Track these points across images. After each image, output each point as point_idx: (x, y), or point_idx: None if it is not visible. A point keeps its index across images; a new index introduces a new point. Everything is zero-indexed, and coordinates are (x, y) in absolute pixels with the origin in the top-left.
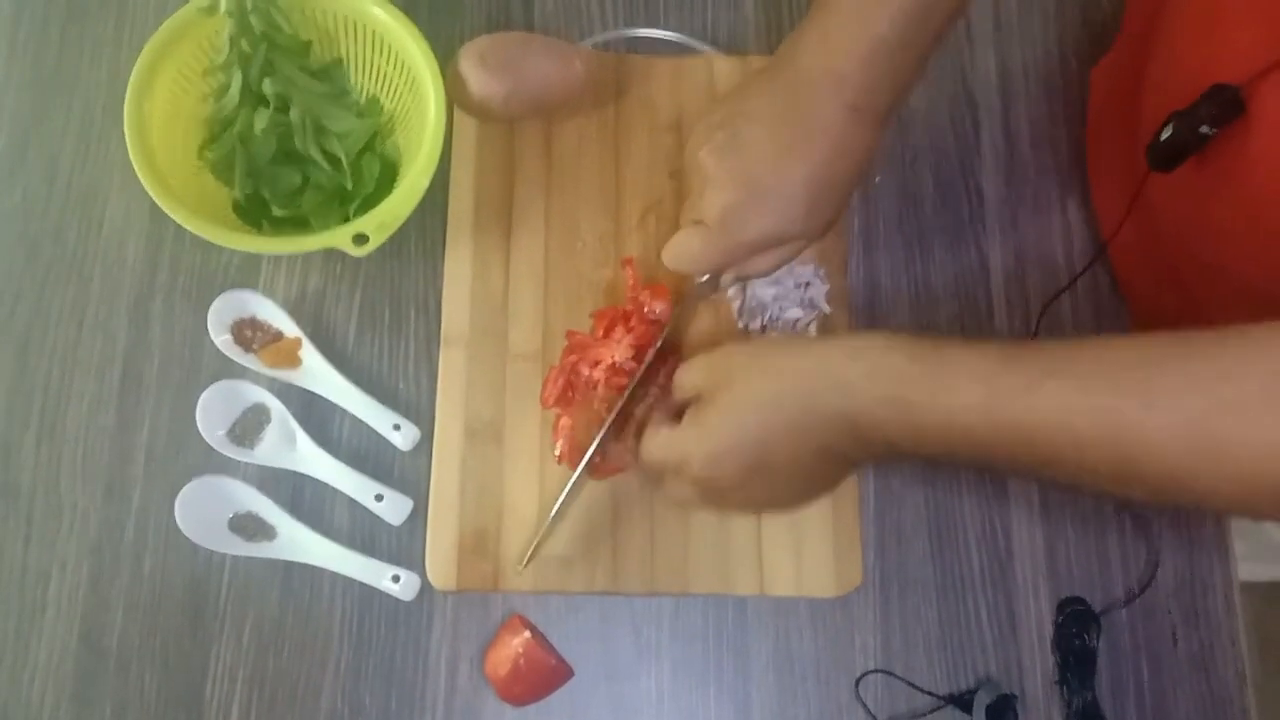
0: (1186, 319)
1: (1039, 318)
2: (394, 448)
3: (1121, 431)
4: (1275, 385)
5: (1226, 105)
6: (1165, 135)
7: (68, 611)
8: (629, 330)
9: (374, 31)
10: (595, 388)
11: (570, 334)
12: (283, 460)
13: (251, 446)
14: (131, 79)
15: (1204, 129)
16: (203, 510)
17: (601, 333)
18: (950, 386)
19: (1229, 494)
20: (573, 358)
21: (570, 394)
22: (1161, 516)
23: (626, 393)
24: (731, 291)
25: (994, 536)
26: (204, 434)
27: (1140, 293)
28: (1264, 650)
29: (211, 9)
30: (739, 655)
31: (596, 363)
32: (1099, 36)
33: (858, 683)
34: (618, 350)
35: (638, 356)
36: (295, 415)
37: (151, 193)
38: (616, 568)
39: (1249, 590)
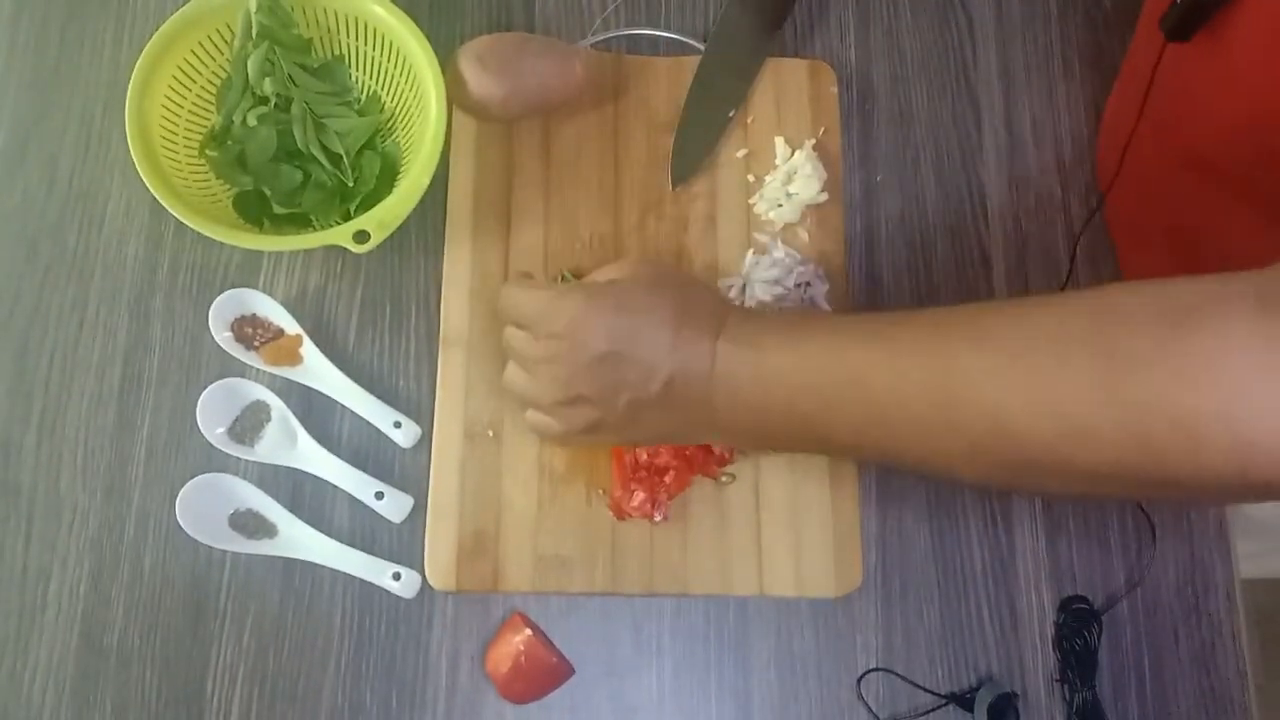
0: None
1: None
2: (395, 445)
3: (871, 389)
4: (1016, 352)
5: None
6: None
7: (68, 610)
8: None
9: (375, 29)
10: (666, 472)
11: (616, 451)
12: (283, 458)
13: (252, 444)
14: (133, 77)
15: None
16: (203, 508)
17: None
18: (800, 338)
19: (957, 453)
20: (642, 467)
21: (648, 484)
22: (1162, 515)
23: None
24: (733, 293)
25: (995, 535)
26: (204, 432)
27: (1136, 260)
28: (1266, 648)
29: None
30: (740, 653)
31: (655, 449)
32: (1101, 35)
33: (859, 681)
34: None
35: None
36: (296, 413)
37: (153, 190)
38: (616, 568)
39: (1251, 588)
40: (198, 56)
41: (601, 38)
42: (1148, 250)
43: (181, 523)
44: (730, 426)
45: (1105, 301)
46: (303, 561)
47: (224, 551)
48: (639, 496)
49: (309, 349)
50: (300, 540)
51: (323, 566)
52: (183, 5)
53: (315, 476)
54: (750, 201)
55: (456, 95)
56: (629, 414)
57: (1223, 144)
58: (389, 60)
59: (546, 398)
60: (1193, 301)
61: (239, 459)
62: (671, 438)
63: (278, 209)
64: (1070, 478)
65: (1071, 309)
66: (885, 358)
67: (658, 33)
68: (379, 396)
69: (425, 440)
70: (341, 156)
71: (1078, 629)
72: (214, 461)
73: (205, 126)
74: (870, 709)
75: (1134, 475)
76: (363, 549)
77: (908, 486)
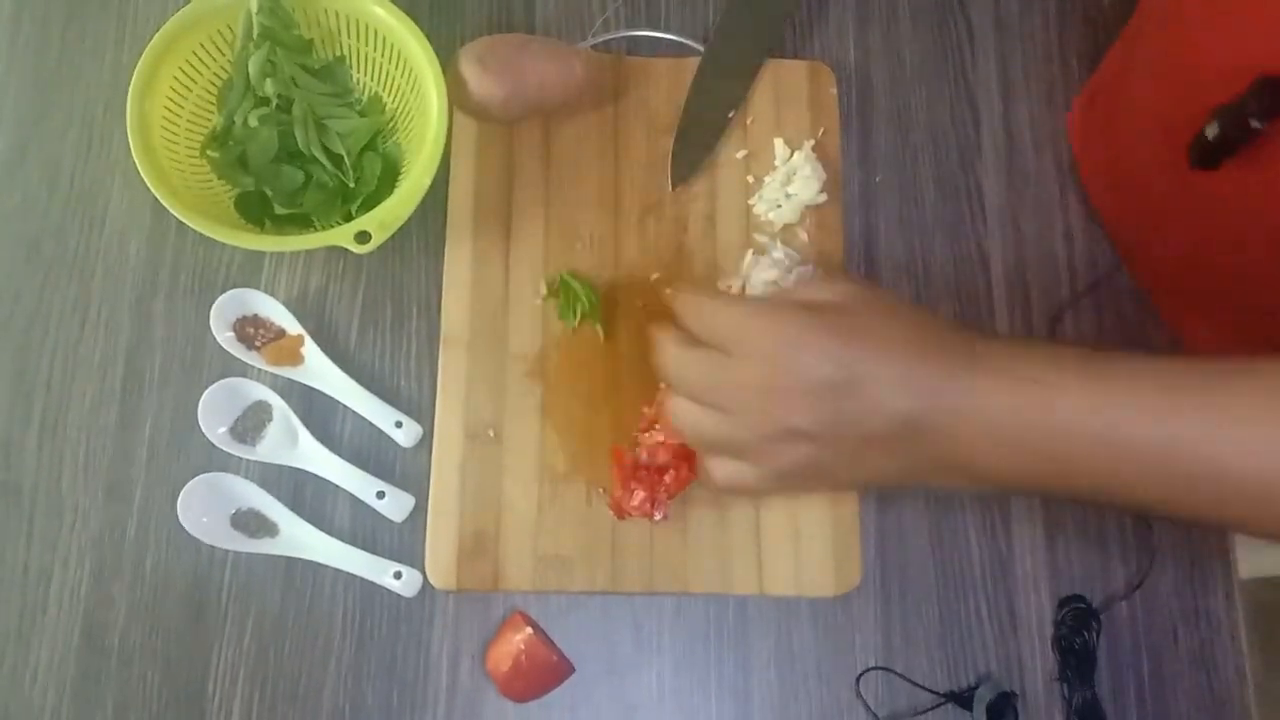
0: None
1: (1052, 323)
2: (396, 445)
3: (1191, 453)
4: None
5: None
6: (1210, 133)
7: (69, 610)
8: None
9: (376, 30)
10: (666, 471)
11: (616, 450)
12: (285, 457)
13: (254, 444)
14: (134, 78)
15: (1254, 124)
16: (205, 507)
17: (645, 425)
18: (1108, 394)
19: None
20: (642, 466)
21: (648, 484)
22: None
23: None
24: (732, 293)
25: (994, 534)
26: (206, 431)
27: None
28: (1265, 648)
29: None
30: (740, 652)
31: (655, 449)
32: (1100, 36)
33: (858, 680)
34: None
35: None
36: (297, 412)
37: (154, 190)
38: (616, 568)
39: (1250, 587)
40: (199, 58)
41: (602, 39)
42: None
43: (183, 522)
44: (974, 465)
45: None
46: (304, 561)
47: (225, 551)
48: (639, 496)
49: (310, 349)
50: (302, 540)
51: (324, 566)
52: (184, 6)
53: (317, 476)
54: (749, 202)
55: (457, 96)
56: (856, 453)
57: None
58: (390, 61)
59: (748, 434)
60: None
61: (240, 459)
62: (899, 477)
63: (279, 210)
64: None
65: None
66: (1218, 426)
67: (658, 34)
68: (380, 396)
69: (426, 440)
70: (343, 157)
71: (1077, 628)
72: (215, 461)
73: (206, 127)
74: (869, 708)
75: None
76: (364, 548)
77: None
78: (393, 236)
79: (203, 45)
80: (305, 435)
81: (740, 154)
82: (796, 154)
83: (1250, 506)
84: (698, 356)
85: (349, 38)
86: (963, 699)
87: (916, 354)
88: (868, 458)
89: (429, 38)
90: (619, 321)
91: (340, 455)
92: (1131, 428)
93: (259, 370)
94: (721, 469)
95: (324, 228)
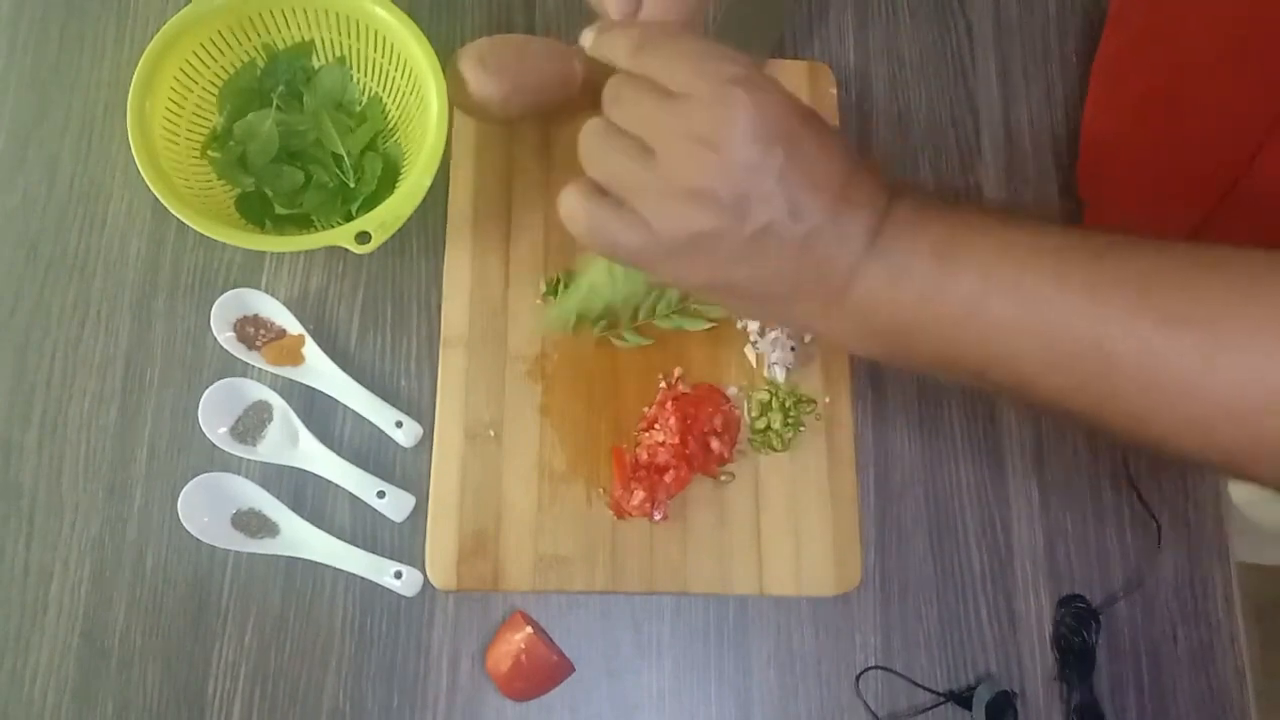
0: None
1: None
2: (396, 444)
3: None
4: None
5: None
6: None
7: (70, 610)
8: (670, 411)
9: (376, 31)
10: (666, 471)
11: (616, 450)
12: (285, 457)
13: (254, 444)
14: (134, 77)
15: None
16: (205, 507)
17: (645, 425)
18: (993, 254)
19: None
20: (642, 466)
21: (648, 484)
22: (1162, 514)
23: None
24: None
25: (994, 534)
26: (206, 431)
27: None
28: (1264, 648)
29: None
30: (740, 651)
31: (654, 448)
32: (1099, 36)
33: (858, 679)
34: (664, 433)
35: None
36: (298, 412)
37: (155, 190)
38: (616, 567)
39: (1249, 587)
40: (199, 58)
41: None
42: None
43: (184, 522)
44: (865, 313)
45: None
46: (304, 560)
47: (226, 551)
48: (639, 495)
49: (311, 349)
50: (302, 539)
51: (324, 565)
52: (184, 6)
53: (317, 476)
54: None
55: (457, 96)
56: (749, 244)
57: None
58: (390, 62)
59: (659, 180)
60: None
61: (241, 458)
62: (770, 298)
63: (280, 210)
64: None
65: None
66: (1131, 286)
67: None
68: (380, 396)
69: (426, 440)
70: (343, 158)
71: (1076, 628)
72: (216, 461)
73: (207, 127)
74: (869, 707)
75: None
76: (364, 548)
77: (907, 484)
78: (393, 237)
79: (203, 45)
80: (306, 435)
81: None
82: None
83: (1141, 400)
84: (642, 84)
85: (350, 38)
86: (962, 698)
87: (848, 170)
88: (758, 259)
89: (429, 38)
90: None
91: (340, 455)
92: (1017, 309)
93: (259, 370)
94: (600, 212)
95: (324, 228)
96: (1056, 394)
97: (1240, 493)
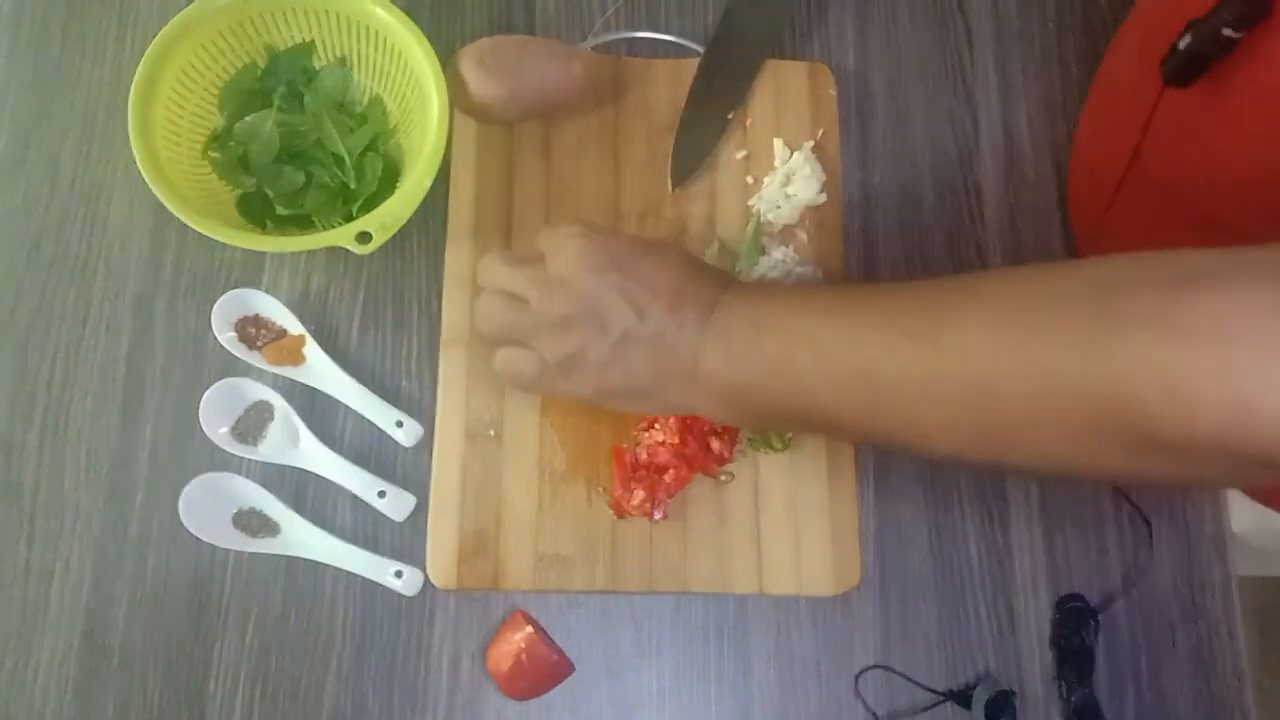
0: None
1: None
2: (397, 444)
3: (864, 348)
4: (1009, 315)
5: (1252, 4)
6: (1183, 44)
7: (70, 610)
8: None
9: (377, 31)
10: (666, 470)
11: (616, 450)
12: (286, 457)
13: (255, 443)
14: (135, 78)
15: (1226, 32)
16: (206, 507)
17: (645, 425)
18: (801, 301)
19: (935, 422)
20: (642, 466)
21: (648, 483)
22: (1159, 513)
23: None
24: None
25: (993, 534)
26: (207, 431)
27: None
28: (1263, 647)
29: None
30: (740, 651)
31: (655, 448)
32: (1099, 38)
33: (858, 679)
34: (664, 432)
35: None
36: (299, 412)
37: (156, 191)
38: (616, 567)
39: (1248, 587)
40: (200, 58)
41: (602, 40)
42: None
43: (185, 522)
44: (711, 383)
45: (1107, 268)
46: (305, 560)
47: (227, 551)
48: (639, 495)
49: (312, 349)
50: (303, 539)
51: (325, 565)
52: (185, 6)
53: (318, 475)
54: (749, 203)
55: (457, 97)
56: (614, 351)
57: (1232, 201)
58: (391, 63)
59: (533, 320)
60: (1202, 268)
61: (242, 458)
62: (645, 392)
63: (280, 210)
64: (1051, 445)
65: (1071, 274)
66: (880, 319)
67: (657, 35)
68: (381, 396)
69: (427, 439)
70: (344, 158)
71: (1075, 627)
72: (217, 461)
73: (208, 127)
74: (869, 706)
75: (1119, 440)
76: (365, 547)
77: (906, 485)
78: (393, 237)
79: (204, 46)
80: (306, 435)
81: (740, 155)
82: (796, 155)
83: (912, 412)
84: (508, 260)
85: (350, 39)
86: (962, 697)
87: (683, 269)
88: (626, 358)
89: (429, 39)
90: None
91: (341, 455)
92: (818, 330)
93: (260, 370)
94: (504, 357)
95: (325, 228)
96: (856, 426)
97: (1242, 521)
